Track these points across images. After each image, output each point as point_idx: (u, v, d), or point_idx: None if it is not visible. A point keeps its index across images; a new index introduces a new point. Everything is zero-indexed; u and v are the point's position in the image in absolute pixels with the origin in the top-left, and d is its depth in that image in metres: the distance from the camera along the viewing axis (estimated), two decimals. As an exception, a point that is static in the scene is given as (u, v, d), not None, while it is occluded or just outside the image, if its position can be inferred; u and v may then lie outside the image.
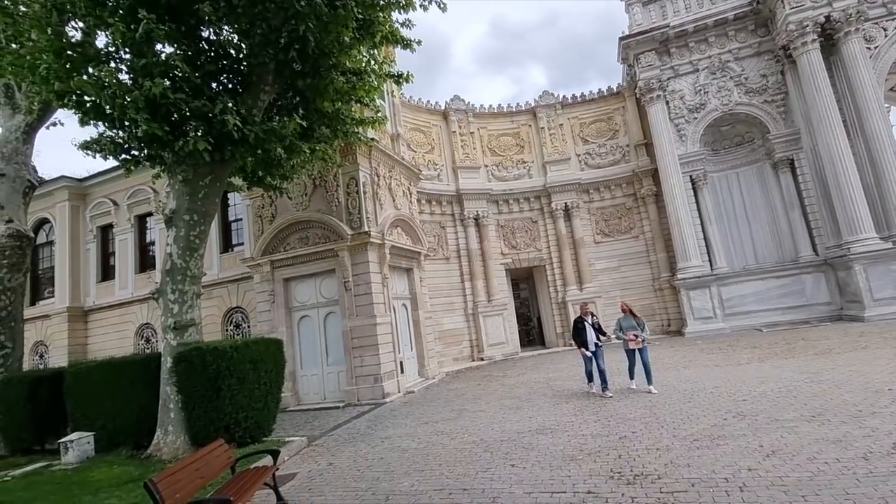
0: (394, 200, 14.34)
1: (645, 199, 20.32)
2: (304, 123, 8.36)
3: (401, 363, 13.31)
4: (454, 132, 20.41)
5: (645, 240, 20.44)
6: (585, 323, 9.22)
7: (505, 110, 21.83)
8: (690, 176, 18.76)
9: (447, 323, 18.68)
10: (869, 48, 16.71)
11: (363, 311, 12.39)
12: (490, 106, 21.77)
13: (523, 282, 24.50)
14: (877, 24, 16.87)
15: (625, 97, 21.28)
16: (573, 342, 9.66)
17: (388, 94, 15.51)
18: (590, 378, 9.30)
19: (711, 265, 18.23)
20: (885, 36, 16.80)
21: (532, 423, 7.43)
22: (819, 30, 16.45)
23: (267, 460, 6.16)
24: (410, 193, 15.75)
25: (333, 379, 12.84)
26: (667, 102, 19.11)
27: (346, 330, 12.45)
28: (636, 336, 8.77)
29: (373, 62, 9.34)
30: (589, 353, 9.06)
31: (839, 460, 4.34)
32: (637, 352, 8.84)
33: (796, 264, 17.31)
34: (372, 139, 13.08)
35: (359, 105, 10.06)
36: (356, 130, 10.45)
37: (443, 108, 20.64)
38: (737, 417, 6.16)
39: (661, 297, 19.74)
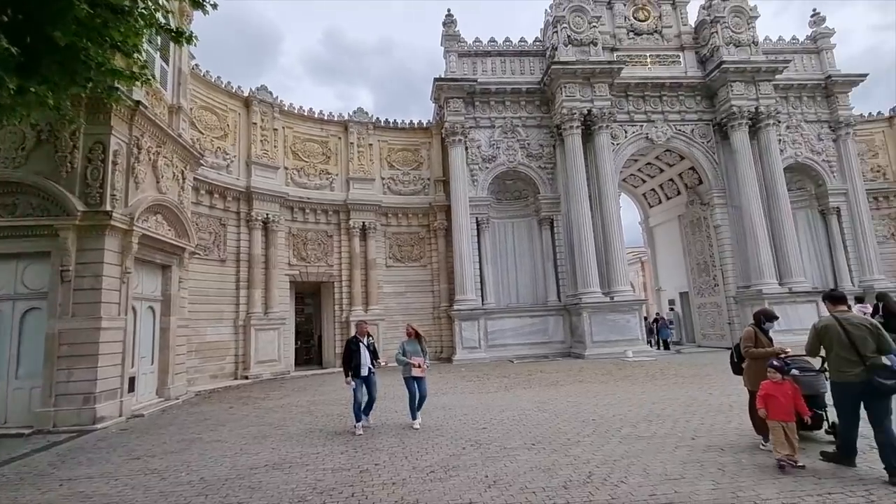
0: (158, 182, 11.88)
1: (437, 231, 21.67)
2: (12, 49, 6.08)
3: (131, 379, 10.76)
4: (255, 124, 18.48)
5: (431, 270, 21.68)
6: (361, 344, 8.06)
7: (316, 115, 20.87)
8: (476, 218, 20.75)
9: (210, 334, 16.24)
10: (613, 143, 21.38)
11: (85, 310, 9.68)
12: (300, 107, 20.54)
13: (310, 297, 23.28)
14: (621, 126, 21.78)
15: (432, 134, 22.65)
16: (342, 367, 8.15)
17: (173, 56, 13.07)
18: (359, 417, 7.86)
19: (483, 300, 20.24)
20: (625, 136, 21.79)
21: (273, 455, 6.55)
22: (582, 119, 20.39)
23: None
24: (183, 179, 13.35)
25: (23, 397, 9.61)
26: (466, 148, 20.97)
27: (52, 333, 9.50)
28: (419, 365, 7.82)
29: (142, 3, 7.52)
30: (353, 384, 7.82)
31: (544, 489, 4.76)
32: (416, 381, 7.95)
33: (545, 307, 20.53)
34: (139, 102, 10.67)
35: (117, 52, 7.98)
36: (113, 84, 8.26)
37: (245, 94, 18.56)
38: (474, 446, 6.47)
39: (439, 325, 21.02)
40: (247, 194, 17.88)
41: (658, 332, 23.32)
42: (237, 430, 8.48)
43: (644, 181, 26.96)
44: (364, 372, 7.96)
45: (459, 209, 20.27)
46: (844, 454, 4.81)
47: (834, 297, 5.10)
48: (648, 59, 22.51)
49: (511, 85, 21.36)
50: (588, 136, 20.79)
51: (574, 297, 19.66)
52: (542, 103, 21.82)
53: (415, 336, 8.27)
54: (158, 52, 12.44)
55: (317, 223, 20.38)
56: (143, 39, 7.75)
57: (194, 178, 14.90)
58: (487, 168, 21.22)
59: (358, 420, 7.83)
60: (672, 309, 26.37)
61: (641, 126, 21.83)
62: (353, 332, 18.51)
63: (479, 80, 21.11)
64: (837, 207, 22.47)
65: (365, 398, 8.03)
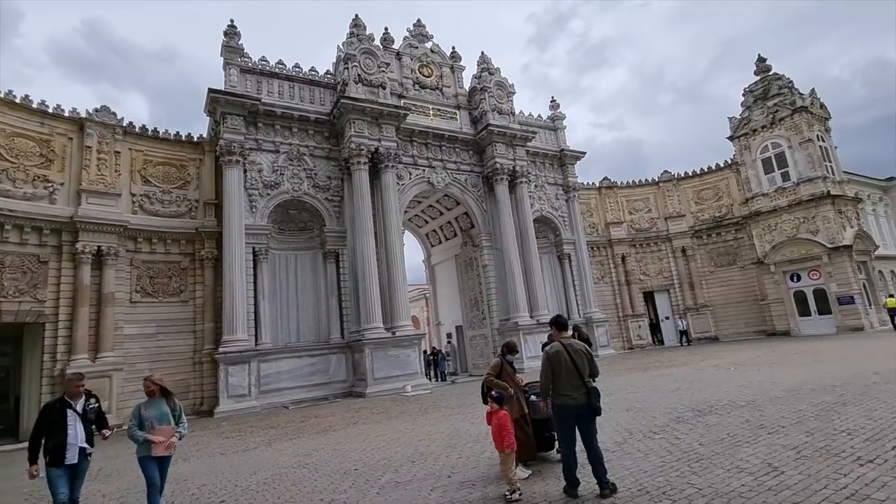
0: None
1: (204, 261, 18.77)
2: None
3: None
4: (-83, 100, 13.12)
5: (195, 306, 18.53)
6: (70, 411, 5.29)
7: (34, 105, 16.15)
8: (254, 248, 18.74)
9: None
10: (399, 183, 22.28)
11: None
12: (9, 91, 15.60)
13: (8, 344, 17.41)
14: (406, 167, 22.93)
15: (205, 150, 19.95)
16: (28, 447, 5.28)
17: None
18: None
19: (257, 340, 18.08)
20: (410, 178, 22.97)
21: None
22: (370, 156, 20.73)
23: None
24: None
25: None
26: (245, 170, 19.00)
27: None
28: (165, 439, 5.33)
29: None
30: (39, 474, 5.14)
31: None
32: (157, 463, 5.38)
33: (327, 345, 19.48)
34: None
35: None
36: None
37: None
38: (199, 531, 5.11)
39: (200, 372, 17.89)
40: None
41: (436, 364, 24.59)
42: None
43: (427, 222, 28.91)
44: (72, 457, 5.16)
45: (233, 237, 17.97)
46: (569, 486, 5.10)
47: (559, 324, 5.60)
48: (431, 111, 24.61)
49: (299, 111, 20.46)
50: (375, 173, 21.19)
51: (357, 334, 19.19)
52: (331, 136, 21.48)
53: (160, 393, 5.58)
54: None
55: (23, 244, 15.36)
56: None
57: None
58: (269, 195, 19.54)
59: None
60: (449, 342, 28.35)
61: (424, 170, 23.45)
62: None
63: (263, 101, 19.59)
64: (569, 254, 27.91)
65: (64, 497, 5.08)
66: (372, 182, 21.08)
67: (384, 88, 21.86)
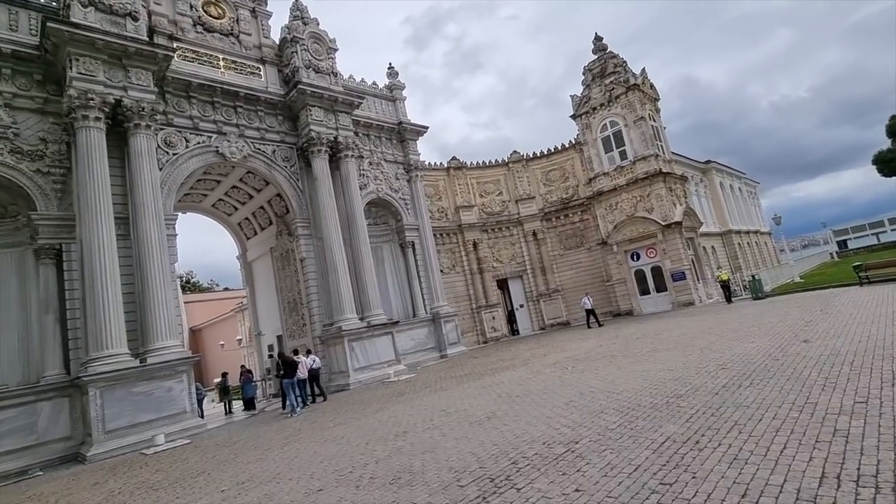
0: None
1: None
2: None
3: None
4: None
5: None
6: None
7: None
8: None
9: None
10: (167, 152, 16.54)
11: None
12: None
13: None
14: (181, 132, 17.14)
15: None
16: None
17: None
18: None
19: None
20: (187, 146, 17.20)
21: None
22: (109, 110, 14.60)
23: None
24: None
25: None
26: None
27: None
28: None
29: None
30: None
31: None
32: None
33: (35, 387, 13.09)
34: None
35: None
36: None
37: None
38: None
39: None
40: None
41: (243, 388, 19.26)
42: None
43: (236, 208, 23.16)
44: None
45: None
46: None
47: None
48: (222, 62, 18.99)
49: (-23, 38, 13.56)
50: (122, 136, 15.15)
51: (86, 366, 13.17)
52: (47, 80, 14.82)
53: None
54: None
55: None
56: None
57: None
58: (-80, 163, 12.48)
59: None
60: (271, 355, 23.06)
61: (210, 137, 17.82)
62: None
63: None
64: (413, 242, 24.38)
65: None
66: (120, 149, 15.06)
67: (136, 21, 15.73)
